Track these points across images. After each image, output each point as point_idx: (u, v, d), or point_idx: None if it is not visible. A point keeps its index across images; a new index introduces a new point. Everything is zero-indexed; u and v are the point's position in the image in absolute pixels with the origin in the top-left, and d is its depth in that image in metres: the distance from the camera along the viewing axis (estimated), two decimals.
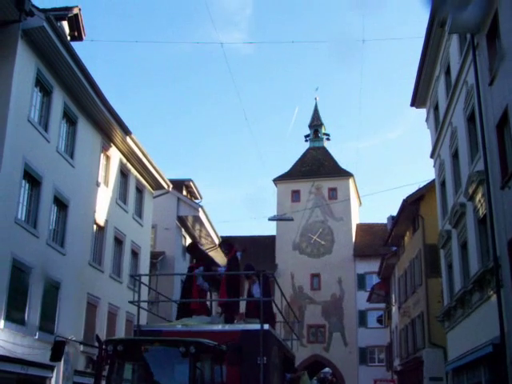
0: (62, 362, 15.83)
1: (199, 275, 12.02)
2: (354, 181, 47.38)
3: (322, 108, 63.14)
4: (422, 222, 25.06)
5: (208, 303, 12.57)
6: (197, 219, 30.48)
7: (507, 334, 12.29)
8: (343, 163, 52.56)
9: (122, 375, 8.43)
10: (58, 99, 17.33)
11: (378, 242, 42.23)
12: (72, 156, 18.49)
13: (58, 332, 16.54)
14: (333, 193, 45.96)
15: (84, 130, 19.31)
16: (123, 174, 22.91)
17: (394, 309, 35.20)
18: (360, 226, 47.34)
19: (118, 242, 22.30)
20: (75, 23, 19.29)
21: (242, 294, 12.33)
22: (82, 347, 18.34)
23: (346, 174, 46.70)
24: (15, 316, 14.66)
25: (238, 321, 11.30)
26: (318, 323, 43.09)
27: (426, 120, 22.52)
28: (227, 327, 10.41)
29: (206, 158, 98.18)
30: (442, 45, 18.25)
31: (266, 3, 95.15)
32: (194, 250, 13.73)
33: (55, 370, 16.35)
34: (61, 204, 17.72)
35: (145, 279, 21.11)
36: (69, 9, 18.87)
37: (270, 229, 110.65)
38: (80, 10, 19.23)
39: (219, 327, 10.46)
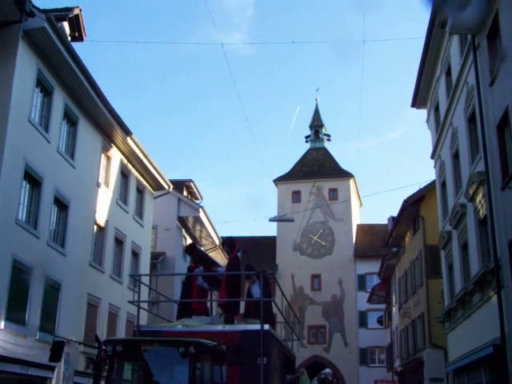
0: (63, 362, 15.83)
1: (199, 275, 12.02)
2: (355, 181, 47.39)
3: (322, 108, 63.05)
4: (423, 222, 25.06)
5: (208, 303, 12.56)
6: (197, 220, 30.49)
7: (508, 335, 12.27)
8: (344, 164, 52.80)
9: (122, 376, 8.41)
10: (59, 100, 17.34)
11: (378, 243, 42.28)
12: (73, 156, 18.50)
13: (58, 332, 16.52)
14: (333, 193, 45.96)
15: (84, 130, 19.32)
16: (124, 174, 22.91)
17: (395, 309, 35.16)
18: (360, 227, 47.29)
19: (119, 242, 22.30)
20: (76, 24, 19.30)
21: (242, 295, 12.32)
22: (82, 348, 18.32)
23: (347, 175, 46.70)
24: (16, 316, 14.65)
25: (238, 321, 11.30)
26: (318, 324, 43.09)
27: (427, 121, 22.49)
28: (227, 327, 10.39)
29: (206, 158, 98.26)
30: (443, 45, 18.23)
31: (267, 4, 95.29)
32: (193, 250, 13.70)
33: (55, 371, 16.32)
34: (61, 204, 17.72)
35: (145, 279, 21.19)
36: (69, 9, 18.90)
37: (270, 229, 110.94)
38: (81, 10, 19.26)
39: (219, 327, 10.44)
